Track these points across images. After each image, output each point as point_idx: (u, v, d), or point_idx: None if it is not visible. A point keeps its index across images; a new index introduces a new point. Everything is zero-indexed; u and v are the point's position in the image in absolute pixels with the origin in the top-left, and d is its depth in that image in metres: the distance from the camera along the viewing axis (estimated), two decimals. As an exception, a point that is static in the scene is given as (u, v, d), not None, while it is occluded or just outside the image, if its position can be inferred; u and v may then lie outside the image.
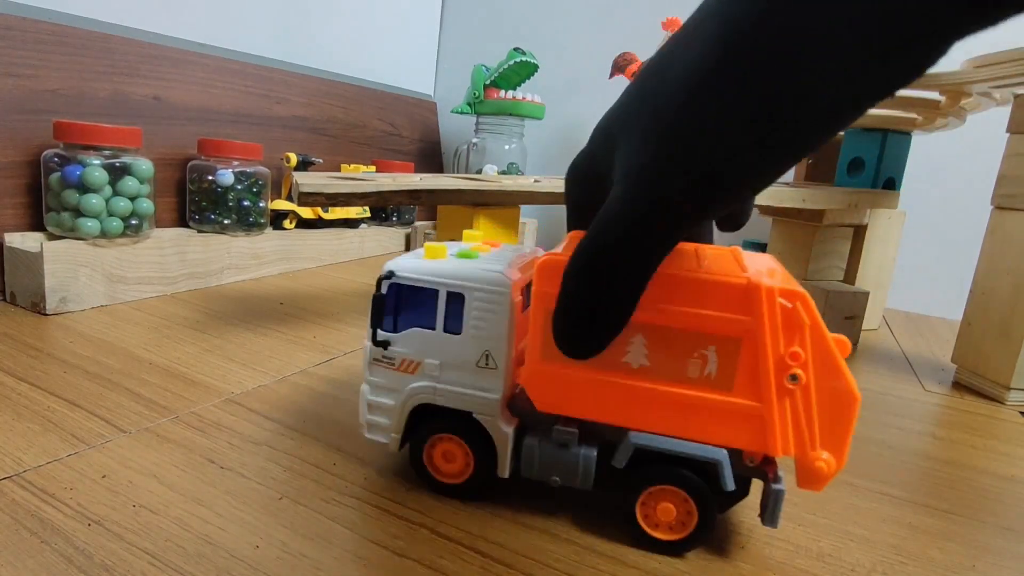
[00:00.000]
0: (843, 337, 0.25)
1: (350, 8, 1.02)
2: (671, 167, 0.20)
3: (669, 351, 0.26)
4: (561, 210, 1.18)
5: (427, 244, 0.30)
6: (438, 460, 0.31)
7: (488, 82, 0.96)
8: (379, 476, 0.32)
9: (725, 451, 0.26)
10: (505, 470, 0.29)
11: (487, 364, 0.29)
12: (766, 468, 0.27)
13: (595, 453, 0.28)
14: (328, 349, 0.51)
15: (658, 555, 0.28)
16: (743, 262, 0.29)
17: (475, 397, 0.29)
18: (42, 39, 0.60)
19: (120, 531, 0.26)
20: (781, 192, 0.64)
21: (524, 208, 0.65)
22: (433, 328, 0.29)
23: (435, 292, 0.29)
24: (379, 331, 0.30)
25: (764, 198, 0.63)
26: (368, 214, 0.94)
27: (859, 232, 0.73)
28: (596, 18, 1.09)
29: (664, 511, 0.28)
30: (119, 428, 0.35)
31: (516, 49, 0.93)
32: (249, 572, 0.25)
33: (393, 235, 0.99)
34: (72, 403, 0.38)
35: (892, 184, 0.74)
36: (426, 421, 0.30)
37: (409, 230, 1.02)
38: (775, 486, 0.26)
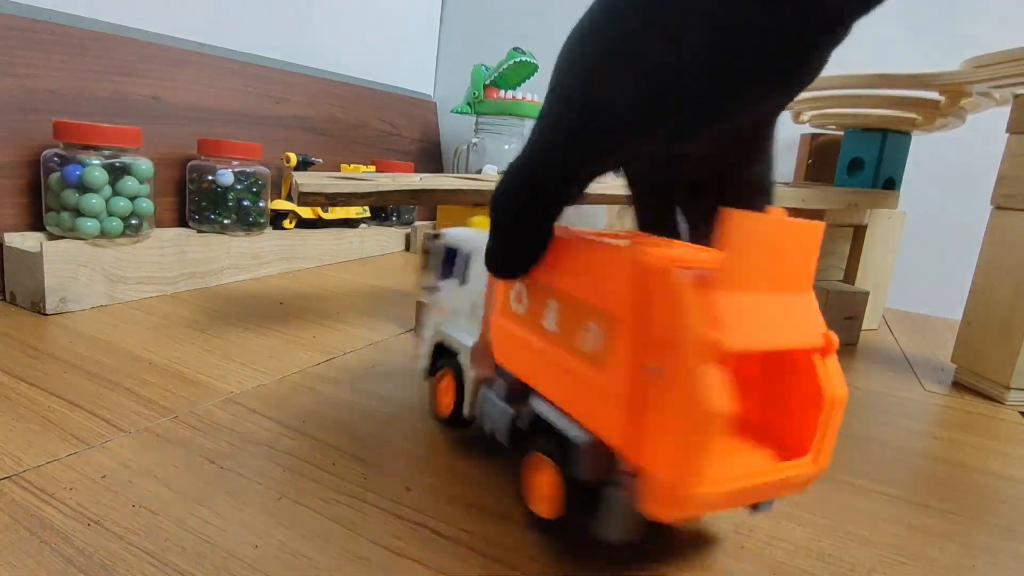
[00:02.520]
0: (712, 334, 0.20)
1: (350, 8, 1.02)
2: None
3: (568, 319, 0.25)
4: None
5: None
6: (439, 393, 0.36)
7: (488, 82, 0.96)
8: (379, 476, 0.32)
9: (590, 437, 0.24)
10: (468, 410, 0.33)
11: (474, 314, 0.33)
12: (625, 472, 0.23)
13: (511, 411, 0.29)
14: (328, 349, 0.51)
15: (659, 556, 0.28)
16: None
17: (460, 342, 0.33)
18: (42, 39, 0.60)
19: (120, 531, 0.26)
20: (781, 192, 0.64)
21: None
22: (457, 280, 0.35)
23: (456, 250, 0.35)
24: (432, 281, 0.37)
25: (764, 198, 0.63)
26: (368, 214, 0.94)
27: (859, 232, 0.73)
28: (596, 18, 1.09)
29: (540, 483, 0.27)
30: (119, 428, 0.35)
31: (516, 49, 0.93)
32: (248, 572, 0.25)
33: (393, 235, 0.99)
34: (72, 403, 0.38)
35: (892, 184, 0.74)
36: (440, 358, 0.36)
37: (409, 230, 1.02)
38: (614, 491, 0.23)
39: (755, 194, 0.27)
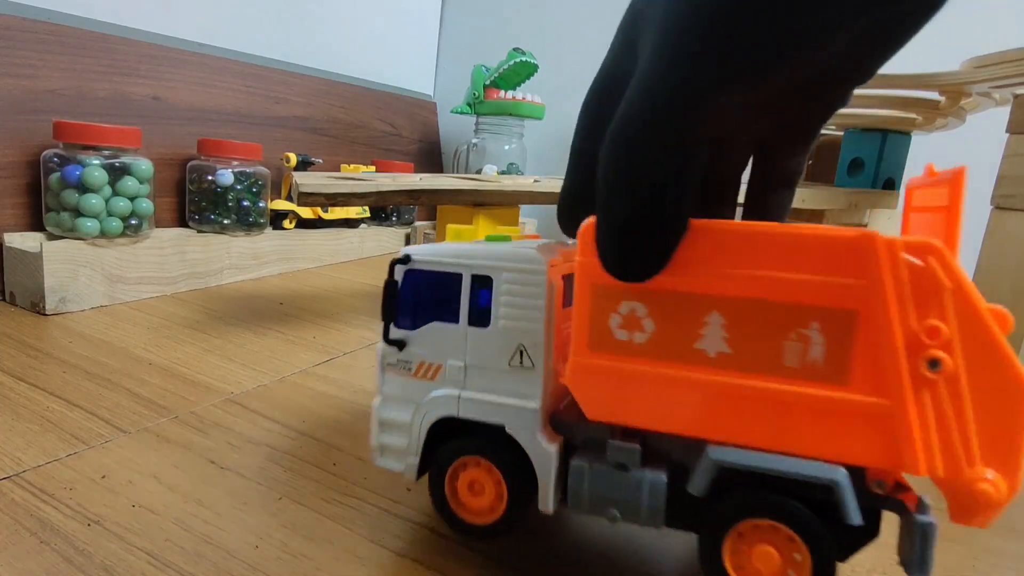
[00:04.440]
0: (1001, 308, 0.18)
1: (350, 8, 1.02)
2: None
3: (757, 332, 0.20)
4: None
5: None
6: (463, 493, 0.25)
7: (488, 82, 0.96)
8: (379, 476, 0.32)
9: (843, 469, 0.20)
10: (548, 502, 0.23)
11: (522, 363, 0.23)
12: (900, 495, 0.20)
13: (664, 477, 0.22)
14: (328, 349, 0.51)
15: (661, 556, 0.28)
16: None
17: (507, 406, 0.24)
18: (42, 39, 0.60)
19: (120, 531, 0.26)
20: (781, 192, 0.64)
21: (524, 208, 0.65)
22: (456, 321, 0.24)
23: (458, 277, 0.24)
24: (392, 327, 0.25)
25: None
26: (368, 214, 0.94)
27: (859, 232, 0.73)
28: (596, 18, 1.09)
29: (763, 557, 0.21)
30: (119, 428, 0.35)
31: (516, 49, 0.93)
32: (249, 572, 0.25)
33: (393, 235, 0.99)
34: (71, 403, 0.38)
35: (892, 184, 0.74)
36: (448, 441, 0.25)
37: (409, 230, 1.02)
38: (920, 517, 0.19)
39: (782, 185, 0.23)
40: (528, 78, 0.97)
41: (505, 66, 0.93)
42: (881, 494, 0.20)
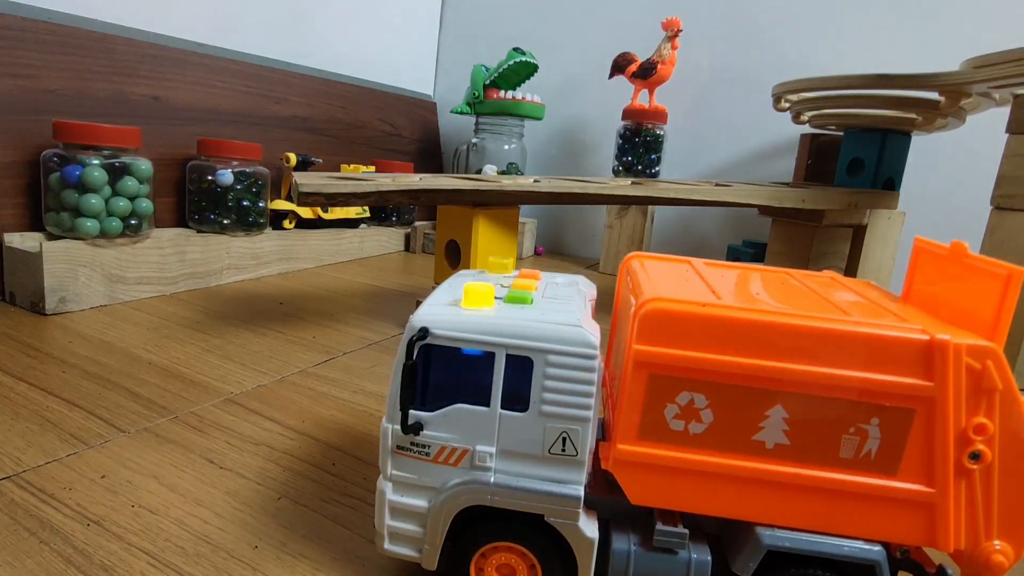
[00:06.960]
0: None
1: (350, 8, 1.02)
2: None
3: (818, 426, 0.21)
4: (562, 210, 1.18)
5: (468, 286, 0.23)
6: None
7: (488, 82, 0.96)
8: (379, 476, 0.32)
9: (882, 548, 0.21)
10: None
11: (564, 450, 0.22)
12: (918, 559, 0.22)
13: (709, 556, 0.22)
14: (328, 349, 0.51)
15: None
16: (874, 297, 0.25)
17: (548, 494, 0.22)
18: (42, 39, 0.60)
19: (119, 531, 0.26)
20: (781, 192, 0.64)
21: (524, 208, 0.65)
22: (486, 404, 0.22)
23: (490, 356, 0.22)
24: (410, 412, 0.23)
25: (764, 198, 0.63)
26: (368, 214, 0.94)
27: (859, 232, 0.73)
28: (595, 18, 1.09)
29: None
30: (118, 428, 0.35)
31: (516, 49, 0.93)
32: (248, 572, 0.25)
33: (393, 235, 0.99)
34: (71, 403, 0.38)
35: (892, 184, 0.74)
36: (475, 527, 0.23)
37: (409, 230, 1.02)
38: (950, 571, 0.21)
39: None
40: (528, 78, 0.97)
41: (505, 66, 0.93)
42: (899, 559, 0.22)
